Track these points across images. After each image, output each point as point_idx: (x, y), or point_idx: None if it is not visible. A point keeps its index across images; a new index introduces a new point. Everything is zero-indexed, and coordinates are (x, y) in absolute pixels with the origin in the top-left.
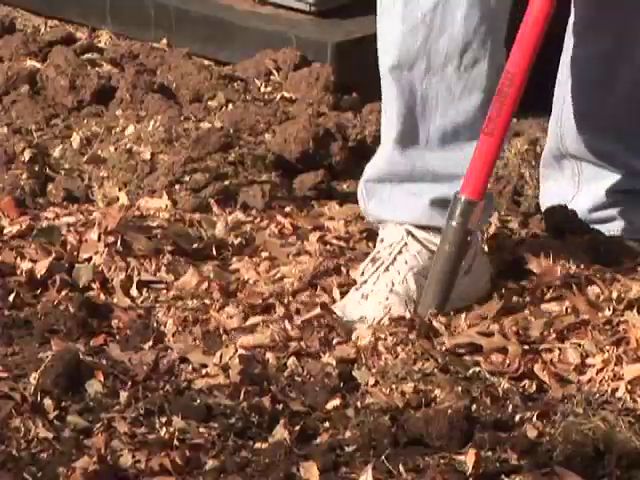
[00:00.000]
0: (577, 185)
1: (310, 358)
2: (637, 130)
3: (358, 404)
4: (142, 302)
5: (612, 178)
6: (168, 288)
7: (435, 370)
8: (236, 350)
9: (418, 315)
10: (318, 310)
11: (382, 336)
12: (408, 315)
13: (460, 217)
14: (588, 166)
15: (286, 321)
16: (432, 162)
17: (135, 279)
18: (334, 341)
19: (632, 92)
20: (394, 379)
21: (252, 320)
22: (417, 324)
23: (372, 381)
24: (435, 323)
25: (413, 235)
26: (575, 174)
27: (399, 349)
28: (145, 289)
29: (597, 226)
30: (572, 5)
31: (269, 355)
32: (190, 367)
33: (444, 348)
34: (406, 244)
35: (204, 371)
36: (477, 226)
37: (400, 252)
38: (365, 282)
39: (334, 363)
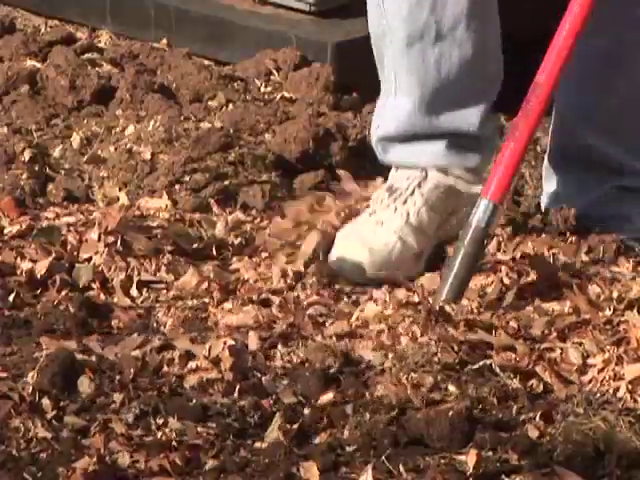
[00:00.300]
0: (578, 184)
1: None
2: (638, 131)
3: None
4: (142, 302)
5: (612, 177)
6: (168, 288)
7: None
8: (225, 343)
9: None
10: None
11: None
12: (416, 248)
13: (483, 220)
14: (588, 165)
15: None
16: (446, 122)
17: (135, 279)
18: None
19: (635, 92)
20: (413, 366)
21: (245, 308)
22: (428, 309)
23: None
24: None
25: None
26: (575, 173)
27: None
28: (145, 289)
29: (597, 225)
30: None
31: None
32: (184, 362)
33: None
34: (425, 178)
35: (195, 364)
36: (495, 228)
37: (419, 185)
38: (381, 209)
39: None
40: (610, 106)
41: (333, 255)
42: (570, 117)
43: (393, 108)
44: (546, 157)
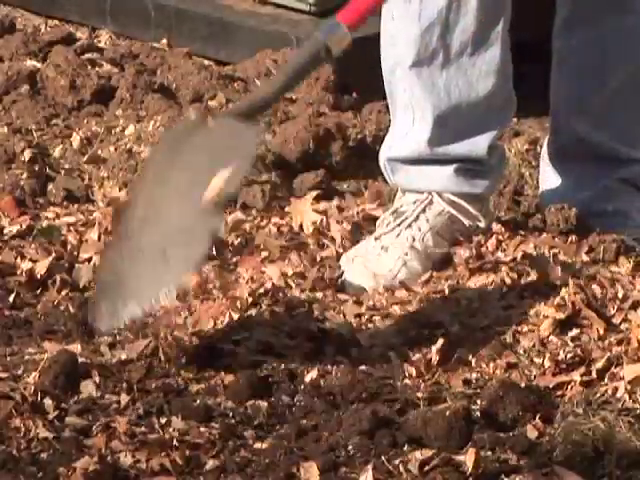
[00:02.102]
0: (575, 179)
1: None
2: (633, 121)
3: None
4: None
5: (608, 169)
6: None
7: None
8: None
9: None
10: None
11: None
12: (421, 272)
13: (324, 33)
14: (584, 157)
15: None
16: (457, 148)
17: None
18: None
19: (625, 82)
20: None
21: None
22: None
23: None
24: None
25: (439, 195)
26: (572, 167)
27: None
28: None
29: (596, 220)
30: None
31: None
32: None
33: None
34: (431, 203)
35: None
36: (338, 50)
37: (424, 210)
38: (385, 234)
39: None
40: (602, 95)
41: (343, 277)
42: (563, 109)
43: (408, 133)
44: (542, 153)
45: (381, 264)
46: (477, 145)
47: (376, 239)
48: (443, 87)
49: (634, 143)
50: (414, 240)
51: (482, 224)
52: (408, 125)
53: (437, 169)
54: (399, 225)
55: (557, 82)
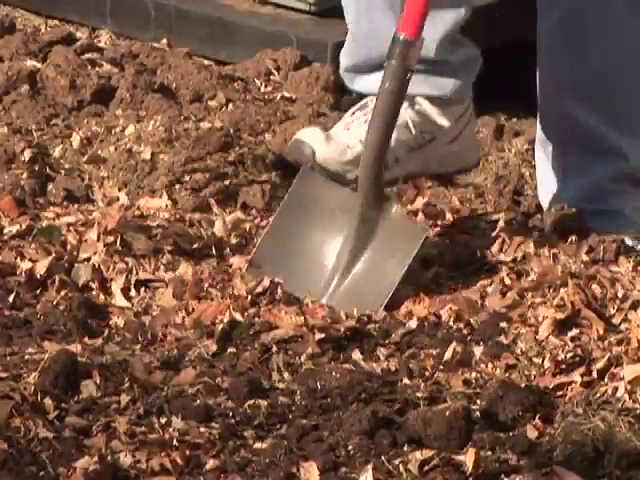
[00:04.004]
0: (568, 174)
1: None
2: (619, 103)
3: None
4: (139, 302)
5: (600, 161)
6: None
7: None
8: None
9: None
10: None
11: None
12: None
13: (399, 56)
14: (574, 149)
15: None
16: None
17: (134, 279)
18: None
19: (606, 60)
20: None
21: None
22: None
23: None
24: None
25: None
26: (562, 157)
27: None
28: (144, 288)
29: (591, 219)
30: None
31: None
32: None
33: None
34: None
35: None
36: (415, 65)
37: None
38: (351, 121)
39: None
40: (583, 74)
41: (294, 137)
42: (551, 91)
43: (354, 40)
44: (536, 148)
45: (339, 136)
46: (425, 46)
47: (341, 124)
48: None
49: (628, 131)
50: None
51: (446, 124)
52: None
53: None
54: (366, 115)
55: (544, 65)
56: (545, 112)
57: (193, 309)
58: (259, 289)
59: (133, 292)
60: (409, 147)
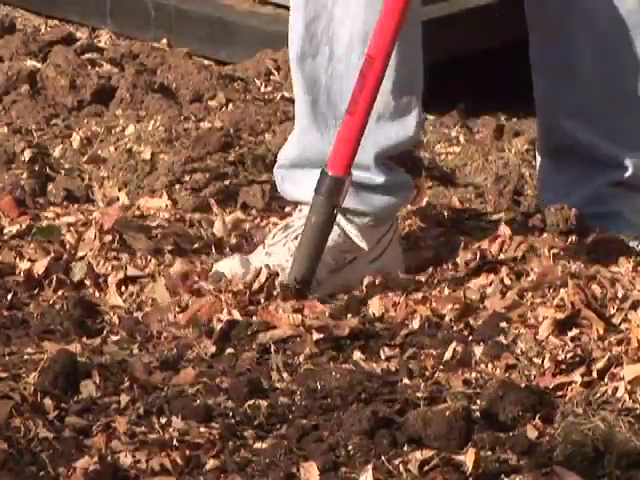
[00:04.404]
0: (568, 180)
1: None
2: (611, 117)
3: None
4: (136, 298)
5: (599, 171)
6: None
7: None
8: None
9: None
10: None
11: None
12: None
13: (327, 192)
14: (572, 158)
15: None
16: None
17: (127, 274)
18: None
19: (596, 75)
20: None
21: None
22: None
23: None
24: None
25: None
26: (564, 168)
27: None
28: (139, 286)
29: (594, 221)
30: None
31: None
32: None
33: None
34: None
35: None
36: (343, 201)
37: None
38: (272, 245)
39: None
40: (575, 90)
41: (214, 268)
42: (545, 105)
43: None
44: (536, 155)
45: (259, 264)
46: (363, 154)
47: (263, 248)
48: (324, 85)
49: (623, 142)
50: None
51: (365, 248)
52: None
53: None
54: (285, 237)
55: (535, 79)
56: (540, 122)
57: (187, 305)
58: (255, 285)
59: (129, 289)
60: (329, 268)
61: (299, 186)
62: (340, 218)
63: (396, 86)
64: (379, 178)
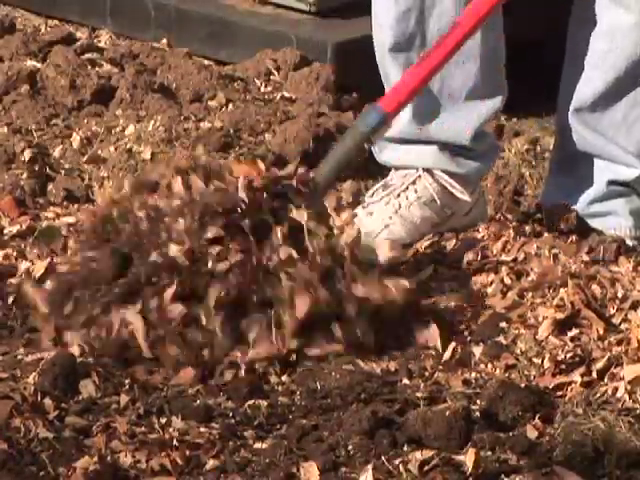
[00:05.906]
0: (575, 180)
1: None
2: (613, 118)
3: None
4: None
5: (606, 170)
6: None
7: None
8: None
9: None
10: None
11: None
12: (405, 237)
13: (369, 126)
14: (584, 159)
15: None
16: (438, 129)
17: None
18: None
19: (622, 80)
20: None
21: None
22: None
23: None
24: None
25: (428, 170)
26: (573, 169)
27: None
28: None
29: (594, 221)
30: None
31: None
32: None
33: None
34: (420, 176)
35: None
36: (377, 139)
37: (413, 182)
38: (373, 203)
39: None
40: (586, 96)
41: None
42: (560, 103)
43: None
44: (550, 158)
45: (363, 226)
46: (459, 133)
47: (364, 208)
48: None
49: (627, 143)
50: (400, 207)
51: (469, 200)
52: None
53: (423, 148)
54: (387, 195)
55: (567, 80)
56: (556, 123)
57: None
58: None
59: None
60: (433, 223)
61: (396, 153)
62: (442, 175)
63: (483, 68)
64: (473, 147)
